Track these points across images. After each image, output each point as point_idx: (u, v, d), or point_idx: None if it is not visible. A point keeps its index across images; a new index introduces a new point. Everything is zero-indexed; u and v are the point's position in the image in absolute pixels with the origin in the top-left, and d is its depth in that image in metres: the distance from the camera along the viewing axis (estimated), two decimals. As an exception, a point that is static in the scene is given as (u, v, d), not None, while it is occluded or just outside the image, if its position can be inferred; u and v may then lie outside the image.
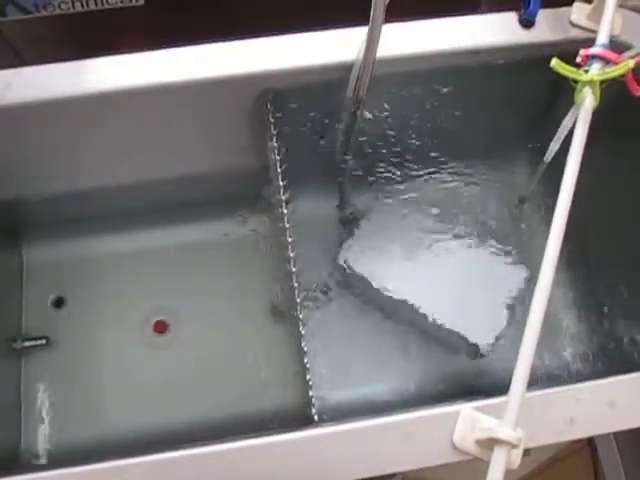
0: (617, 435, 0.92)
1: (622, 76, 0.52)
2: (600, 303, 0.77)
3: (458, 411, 0.50)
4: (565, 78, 0.53)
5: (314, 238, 0.80)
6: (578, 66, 0.54)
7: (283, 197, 0.62)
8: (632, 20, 0.64)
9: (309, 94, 0.65)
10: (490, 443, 0.45)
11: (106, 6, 0.67)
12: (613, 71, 0.51)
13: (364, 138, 0.72)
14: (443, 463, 0.50)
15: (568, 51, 0.57)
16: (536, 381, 0.74)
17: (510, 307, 0.72)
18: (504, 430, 0.44)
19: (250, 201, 0.82)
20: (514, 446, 0.44)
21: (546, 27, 0.64)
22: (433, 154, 0.80)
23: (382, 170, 0.81)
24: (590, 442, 0.96)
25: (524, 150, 0.84)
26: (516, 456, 0.47)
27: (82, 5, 0.67)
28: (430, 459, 0.50)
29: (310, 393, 0.56)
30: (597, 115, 0.52)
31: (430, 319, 0.71)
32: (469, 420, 0.49)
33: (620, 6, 0.62)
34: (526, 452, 0.50)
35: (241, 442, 0.49)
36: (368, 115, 0.67)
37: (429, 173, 0.84)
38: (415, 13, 0.63)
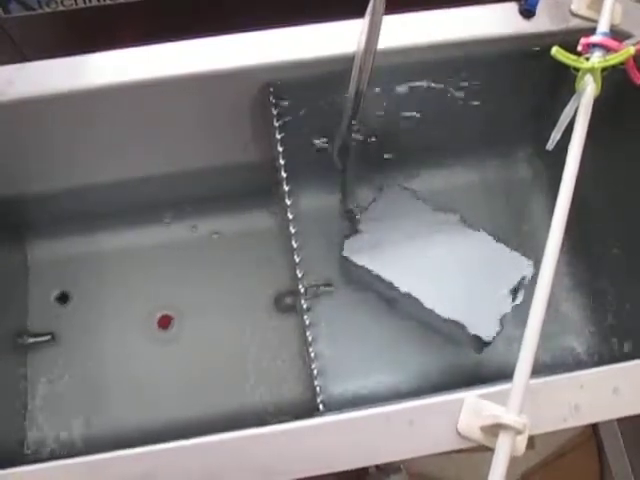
0: (622, 428, 0.92)
1: (622, 64, 0.53)
2: (603, 291, 0.77)
3: (462, 399, 0.50)
4: (566, 67, 0.54)
5: (317, 229, 0.80)
6: (579, 55, 0.54)
7: (286, 189, 0.62)
8: (632, 9, 0.64)
9: (311, 87, 0.65)
10: (495, 429, 0.45)
11: (108, 2, 0.68)
12: (614, 58, 0.51)
13: (366, 131, 0.72)
14: (448, 450, 0.49)
15: (569, 41, 0.57)
16: (540, 369, 0.74)
17: (513, 298, 0.72)
18: (509, 416, 0.44)
19: (253, 195, 0.82)
20: (519, 432, 0.44)
21: (547, 17, 0.64)
22: (434, 146, 0.81)
23: (384, 163, 0.81)
24: (595, 435, 0.95)
25: (526, 141, 0.84)
26: (521, 442, 0.47)
27: (84, 1, 0.67)
28: (435, 447, 0.49)
29: (315, 382, 0.56)
30: (598, 104, 0.53)
31: (433, 311, 0.71)
32: (474, 407, 0.49)
33: (620, -5, 0.63)
34: (531, 445, 0.51)
35: (247, 431, 0.50)
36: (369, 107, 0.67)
37: (431, 165, 0.84)
38: (415, 4, 0.63)
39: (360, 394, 0.74)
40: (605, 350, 0.76)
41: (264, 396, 0.76)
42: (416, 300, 0.71)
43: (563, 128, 0.56)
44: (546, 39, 0.63)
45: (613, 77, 0.53)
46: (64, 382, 0.77)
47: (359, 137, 0.70)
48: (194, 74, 0.62)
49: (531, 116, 0.78)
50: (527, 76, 0.71)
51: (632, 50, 0.50)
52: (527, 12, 0.64)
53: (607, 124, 0.63)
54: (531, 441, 0.87)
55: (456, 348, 0.76)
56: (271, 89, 0.64)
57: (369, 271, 0.72)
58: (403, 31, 0.63)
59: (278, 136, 0.64)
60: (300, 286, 0.60)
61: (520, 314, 0.72)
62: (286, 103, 0.66)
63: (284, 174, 0.63)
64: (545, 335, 0.77)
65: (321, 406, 0.55)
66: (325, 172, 0.75)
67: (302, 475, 0.49)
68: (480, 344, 0.71)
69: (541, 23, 0.64)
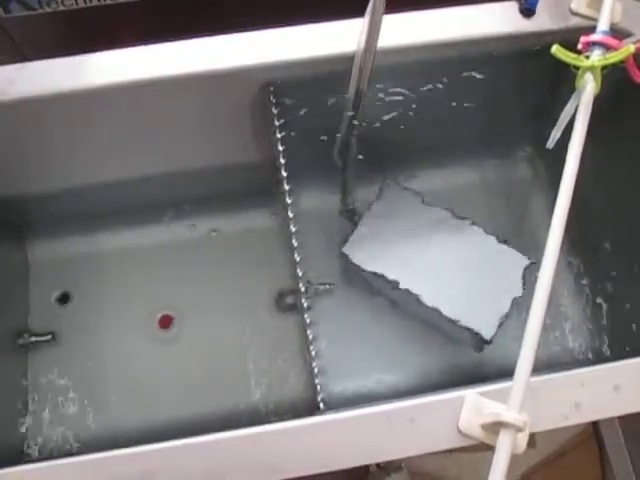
0: (623, 427, 0.92)
1: (622, 62, 0.53)
2: (603, 289, 0.77)
3: (463, 397, 0.50)
4: (566, 66, 0.54)
5: (318, 228, 0.80)
6: (579, 53, 0.54)
7: (286, 188, 0.62)
8: (632, 8, 0.64)
9: (312, 86, 0.65)
10: (496, 427, 0.45)
11: (108, 1, 0.68)
12: (614, 56, 0.51)
13: (366, 130, 0.72)
14: (449, 448, 0.49)
15: (569, 39, 0.57)
16: (540, 367, 0.74)
17: (514, 297, 0.72)
18: (510, 413, 0.44)
19: (253, 194, 0.83)
20: (520, 429, 0.44)
21: (547, 16, 0.64)
22: (434, 146, 0.81)
23: (385, 162, 0.81)
24: (596, 433, 0.95)
25: (526, 140, 0.84)
26: (522, 440, 0.47)
27: (85, 1, 0.67)
28: (436, 445, 0.49)
29: (316, 381, 0.56)
30: (598, 102, 0.53)
31: (433, 310, 0.71)
32: (474, 405, 0.49)
33: (620, -6, 0.63)
34: (532, 444, 0.50)
35: (247, 430, 0.50)
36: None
37: (431, 165, 0.85)
38: (415, 3, 0.64)
39: (360, 393, 0.74)
40: (606, 348, 0.76)
41: (265, 395, 0.76)
42: (416, 299, 0.71)
43: (563, 126, 0.56)
44: (546, 38, 0.64)
45: (613, 75, 0.53)
46: (64, 382, 0.77)
47: (359, 136, 0.70)
48: (194, 74, 0.62)
49: (531, 115, 0.78)
50: (527, 75, 0.71)
51: (632, 48, 0.50)
52: (527, 11, 0.64)
53: (607, 122, 0.63)
54: (532, 440, 0.87)
55: (456, 347, 0.76)
56: (271, 88, 0.64)
57: (369, 270, 0.72)
58: (403, 30, 0.63)
59: (279, 135, 0.64)
60: (300, 285, 0.60)
61: (520, 312, 0.72)
62: (286, 102, 0.66)
63: (284, 173, 0.63)
64: (545, 333, 0.78)
65: (322, 405, 0.55)
66: (325, 171, 0.75)
67: (303, 473, 0.49)
68: (480, 343, 0.71)
69: (541, 22, 0.64)
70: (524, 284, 0.72)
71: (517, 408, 0.44)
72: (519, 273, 0.72)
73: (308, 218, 0.78)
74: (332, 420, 0.50)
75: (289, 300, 0.79)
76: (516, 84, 0.72)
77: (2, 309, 0.75)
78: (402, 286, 0.72)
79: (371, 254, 0.73)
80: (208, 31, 0.63)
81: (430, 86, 0.70)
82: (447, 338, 0.76)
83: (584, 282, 0.81)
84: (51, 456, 0.73)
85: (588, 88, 0.52)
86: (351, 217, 0.77)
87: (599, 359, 0.77)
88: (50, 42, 0.74)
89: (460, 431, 0.49)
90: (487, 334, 0.70)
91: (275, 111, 0.64)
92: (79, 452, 0.73)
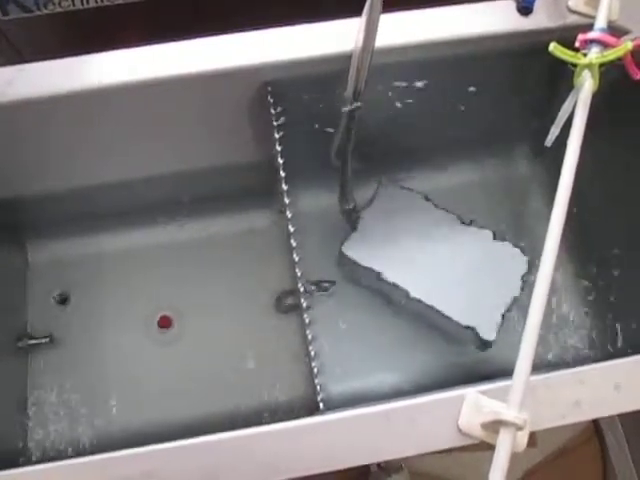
0: (625, 425, 0.92)
1: (620, 59, 0.53)
2: (603, 287, 0.77)
3: (463, 396, 0.50)
4: (564, 63, 0.54)
5: (317, 228, 0.80)
6: (577, 51, 0.54)
7: (285, 187, 0.62)
8: (629, 5, 0.64)
9: (309, 85, 0.65)
10: (496, 426, 0.45)
11: (106, 3, 0.68)
12: (612, 53, 0.51)
13: (364, 130, 0.72)
14: (449, 447, 0.49)
15: (566, 37, 0.57)
16: (540, 366, 0.74)
17: (514, 295, 0.72)
18: (509, 412, 0.44)
19: (252, 194, 0.83)
20: (520, 428, 0.44)
21: (544, 14, 0.64)
22: (433, 144, 0.81)
23: (383, 161, 0.81)
24: (597, 432, 0.95)
25: (525, 137, 0.84)
26: (522, 438, 0.47)
27: (82, 2, 0.67)
28: (436, 444, 0.49)
29: (316, 381, 0.56)
30: (596, 99, 0.53)
31: (433, 309, 0.71)
32: (474, 404, 0.49)
33: (618, -9, 0.63)
34: (533, 443, 0.50)
35: (247, 430, 0.50)
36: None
37: (430, 164, 0.84)
38: (412, 2, 0.64)
39: (360, 392, 0.74)
40: (605, 346, 0.76)
41: (264, 395, 0.76)
42: (416, 298, 0.71)
43: (562, 124, 0.56)
44: (544, 36, 0.63)
45: (611, 73, 0.53)
46: (65, 383, 0.77)
47: (358, 135, 0.70)
48: (192, 74, 0.62)
49: (530, 113, 0.78)
50: (525, 73, 0.71)
51: (630, 45, 0.51)
52: (525, 9, 0.64)
53: (605, 119, 0.63)
54: (533, 439, 0.86)
55: (456, 346, 0.76)
56: (269, 88, 0.64)
57: (368, 269, 0.72)
58: (400, 29, 0.63)
59: (277, 135, 0.64)
60: (299, 285, 0.60)
61: (521, 311, 0.72)
62: (285, 102, 0.66)
63: (283, 173, 0.63)
64: (545, 331, 0.78)
65: (321, 405, 0.55)
66: (324, 171, 0.75)
67: (303, 473, 0.49)
68: (481, 342, 0.71)
69: (539, 20, 0.64)
70: (524, 283, 0.72)
71: (517, 406, 0.44)
72: (519, 272, 0.72)
73: (307, 218, 0.78)
74: (332, 420, 0.50)
75: (289, 300, 0.79)
76: (514, 82, 0.72)
77: (1, 311, 0.74)
78: (402, 285, 0.72)
79: (370, 253, 0.73)
80: (207, 31, 0.63)
81: (428, 85, 0.70)
82: (447, 337, 0.76)
83: (584, 280, 0.81)
84: (51, 458, 0.73)
85: (586, 85, 0.52)
86: (350, 217, 0.77)
87: (599, 357, 0.76)
88: (48, 44, 0.74)
89: (460, 430, 0.49)
90: (488, 333, 0.70)
91: (273, 111, 0.64)
92: (79, 454, 0.73)
